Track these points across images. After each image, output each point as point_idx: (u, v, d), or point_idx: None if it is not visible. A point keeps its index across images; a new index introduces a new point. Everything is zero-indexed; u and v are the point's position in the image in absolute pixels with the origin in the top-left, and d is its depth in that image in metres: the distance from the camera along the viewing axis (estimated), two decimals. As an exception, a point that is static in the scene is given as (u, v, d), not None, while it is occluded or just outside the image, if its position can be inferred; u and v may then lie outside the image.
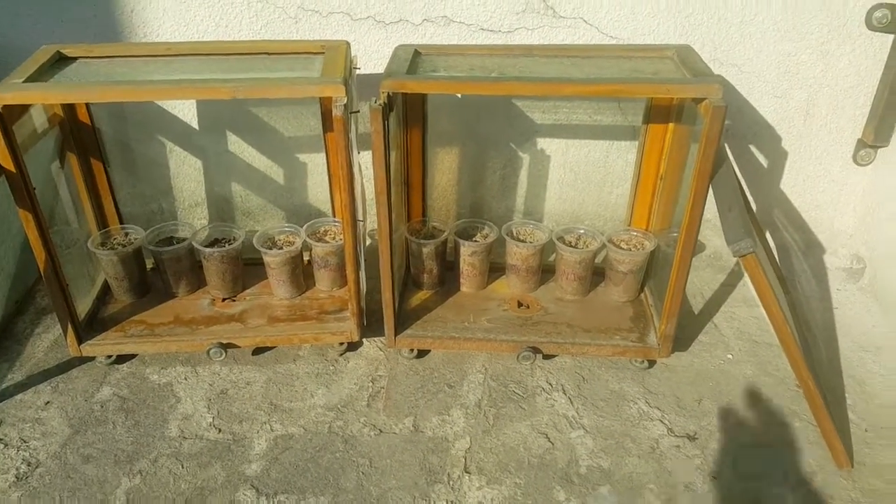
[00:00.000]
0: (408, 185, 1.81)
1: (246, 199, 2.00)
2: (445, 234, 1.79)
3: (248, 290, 1.83)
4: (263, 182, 1.97)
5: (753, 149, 1.93)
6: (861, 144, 1.89)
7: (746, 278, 2.04)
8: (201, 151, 1.93)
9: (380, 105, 1.34)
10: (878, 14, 1.71)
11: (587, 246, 1.78)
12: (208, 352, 1.66)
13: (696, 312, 1.91)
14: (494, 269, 1.87)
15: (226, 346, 1.67)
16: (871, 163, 1.91)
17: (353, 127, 1.47)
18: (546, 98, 1.84)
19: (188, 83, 1.41)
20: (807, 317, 1.86)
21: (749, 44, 1.77)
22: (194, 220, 2.01)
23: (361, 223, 1.56)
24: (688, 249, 1.47)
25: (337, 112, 1.36)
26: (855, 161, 1.92)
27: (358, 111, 1.52)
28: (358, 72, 1.62)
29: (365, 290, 1.73)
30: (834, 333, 1.83)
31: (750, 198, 1.90)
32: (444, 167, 1.94)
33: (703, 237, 2.04)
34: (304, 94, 1.38)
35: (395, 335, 1.68)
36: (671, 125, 1.67)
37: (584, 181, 1.97)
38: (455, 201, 2.00)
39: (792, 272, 2.01)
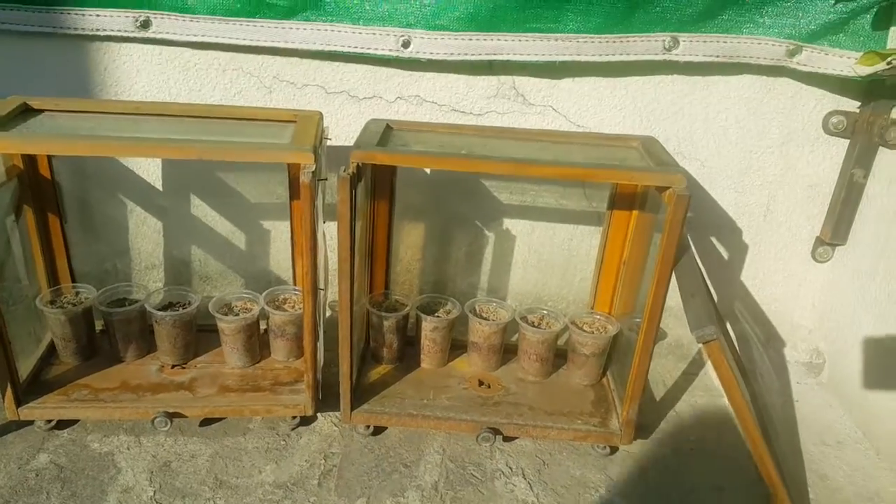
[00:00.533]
0: (372, 257, 1.79)
1: (205, 264, 1.96)
2: (408, 307, 1.77)
3: (199, 358, 1.77)
4: (224, 247, 1.94)
5: (715, 241, 1.96)
6: (819, 242, 1.94)
7: (708, 367, 2.03)
8: (163, 213, 1.89)
9: (349, 174, 1.34)
10: (834, 120, 1.78)
11: (550, 327, 1.77)
12: (153, 421, 1.58)
13: (657, 399, 1.89)
14: (456, 346, 1.83)
15: (172, 416, 1.59)
16: (829, 260, 1.95)
17: (319, 195, 1.46)
18: (514, 179, 1.86)
19: (154, 141, 1.40)
20: (768, 409, 1.85)
21: (712, 140, 1.83)
22: (149, 282, 1.96)
23: (322, 291, 1.53)
24: (650, 334, 1.47)
25: (304, 178, 1.35)
26: (813, 258, 1.97)
27: (325, 179, 1.51)
28: (329, 143, 1.62)
29: (322, 361, 1.68)
30: (795, 427, 1.81)
31: (711, 289, 1.92)
32: (410, 241, 1.94)
33: (665, 325, 2.05)
34: (272, 159, 1.37)
35: (351, 410, 1.62)
36: (635, 212, 1.69)
37: (548, 263, 1.98)
38: (419, 276, 1.99)
39: (752, 364, 2.02)
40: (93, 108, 1.58)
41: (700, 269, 1.60)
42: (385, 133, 1.53)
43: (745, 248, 1.96)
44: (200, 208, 1.89)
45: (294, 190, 1.67)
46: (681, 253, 1.43)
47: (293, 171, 1.65)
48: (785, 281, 2.01)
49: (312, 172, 1.36)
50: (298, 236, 1.71)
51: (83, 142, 1.38)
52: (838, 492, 1.60)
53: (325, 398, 1.74)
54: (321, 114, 1.58)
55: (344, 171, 1.34)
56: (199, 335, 1.79)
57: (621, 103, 1.78)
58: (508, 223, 1.94)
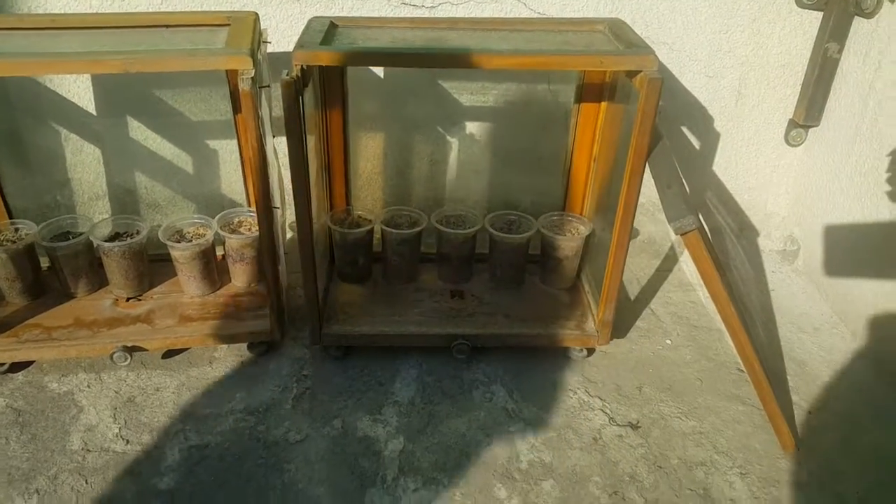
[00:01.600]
0: (329, 172, 1.69)
1: (152, 191, 1.84)
2: (371, 223, 1.68)
3: (155, 289, 1.68)
4: (170, 171, 1.82)
5: (685, 130, 1.89)
6: (792, 125, 1.88)
7: (681, 263, 2.00)
8: (100, 139, 1.76)
9: (292, 78, 1.22)
10: (807, -10, 1.69)
11: (521, 232, 1.70)
12: (112, 356, 1.51)
13: (632, 299, 1.86)
14: (425, 259, 1.77)
15: (131, 350, 1.52)
16: (802, 143, 1.90)
17: (263, 104, 1.34)
18: (474, 78, 1.75)
19: (74, 56, 1.26)
20: (744, 299, 1.83)
21: (680, 21, 1.73)
22: (95, 214, 1.84)
23: (278, 210, 1.44)
24: (625, 229, 1.41)
25: (244, 86, 1.23)
26: (787, 141, 1.91)
27: (268, 86, 1.39)
28: (269, 46, 1.49)
29: (286, 285, 1.60)
30: (772, 316, 1.80)
31: (683, 181, 1.86)
32: (369, 153, 1.83)
33: (637, 222, 1.99)
34: (206, 66, 1.24)
35: (320, 332, 1.56)
36: (603, 104, 1.60)
37: (515, 166, 1.89)
38: (381, 189, 1.89)
39: (726, 255, 1.99)
40: (1, 25, 1.43)
41: (674, 158, 1.53)
42: (329, 31, 1.40)
43: (716, 136, 1.89)
44: (140, 131, 1.76)
45: (236, 102, 1.55)
46: (654, 143, 1.36)
47: (233, 82, 1.52)
48: (758, 168, 1.95)
49: (252, 78, 1.24)
50: (247, 154, 1.60)
51: (-4, 61, 1.24)
52: (816, 379, 1.60)
53: (293, 321, 1.68)
54: (257, 14, 1.44)
55: (287, 74, 1.23)
56: (154, 266, 1.71)
57: (583, -14, 1.66)
58: (471, 127, 1.84)
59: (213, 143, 1.79)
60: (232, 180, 1.84)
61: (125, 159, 1.79)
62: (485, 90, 1.78)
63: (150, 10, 1.60)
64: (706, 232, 1.88)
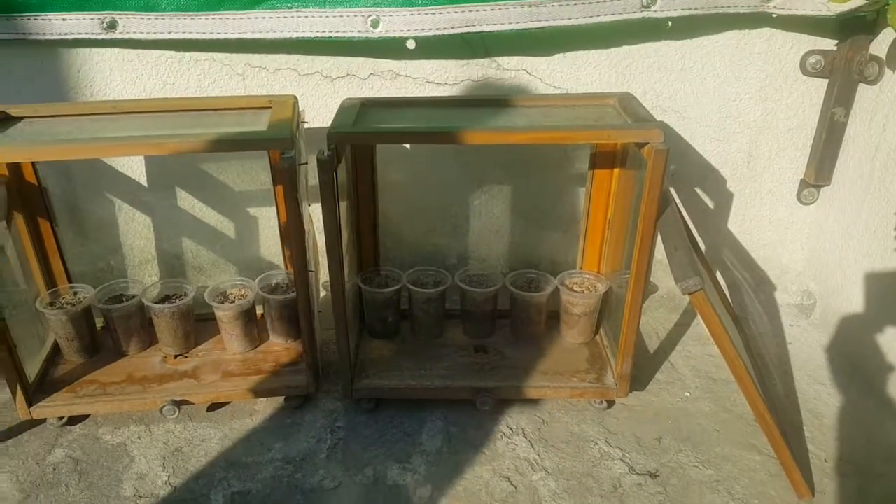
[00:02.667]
0: (360, 234, 1.81)
1: (197, 255, 1.98)
2: (399, 283, 1.79)
3: (200, 346, 1.80)
4: (214, 237, 1.96)
5: (699, 191, 1.97)
6: (804, 184, 1.95)
7: (699, 317, 2.06)
8: (150, 208, 1.91)
9: (326, 157, 1.35)
10: (811, 60, 1.78)
11: (540, 290, 1.79)
12: (161, 410, 1.62)
13: (651, 352, 1.93)
14: (450, 315, 1.87)
15: (179, 404, 1.63)
16: (815, 201, 1.96)
17: (302, 179, 1.47)
18: (495, 146, 1.87)
19: (133, 140, 1.41)
20: (762, 353, 1.88)
21: (689, 90, 1.82)
22: (144, 277, 1.99)
23: (313, 273, 1.56)
24: (638, 289, 1.49)
25: (283, 164, 1.37)
26: (799, 200, 1.98)
27: (306, 163, 1.53)
28: (306, 125, 1.63)
29: (321, 341, 1.71)
30: (789, 368, 1.85)
31: (699, 238, 1.94)
32: (397, 216, 1.95)
33: (656, 278, 2.07)
34: (250, 147, 1.38)
35: (352, 386, 1.66)
36: (616, 170, 1.70)
37: (535, 226, 1.99)
38: (408, 249, 2.01)
39: (744, 310, 2.04)
40: (71, 111, 1.60)
41: (683, 221, 1.62)
42: (360, 112, 1.54)
43: (730, 196, 1.97)
44: (187, 200, 1.91)
45: (276, 175, 1.69)
46: (663, 207, 1.45)
47: (274, 157, 1.66)
48: (772, 225, 2.02)
49: (291, 158, 1.37)
50: (284, 221, 1.73)
51: (67, 146, 1.40)
52: (832, 429, 1.64)
53: (327, 375, 1.78)
54: (296, 98, 1.58)
55: (322, 153, 1.36)
56: (198, 324, 1.83)
57: (596, 61, 1.77)
58: (493, 189, 1.95)
59: (253, 211, 1.93)
60: (270, 244, 1.97)
61: (173, 227, 1.94)
62: (505, 155, 1.90)
63: (200, 94, 1.76)
64: (722, 288, 1.95)
